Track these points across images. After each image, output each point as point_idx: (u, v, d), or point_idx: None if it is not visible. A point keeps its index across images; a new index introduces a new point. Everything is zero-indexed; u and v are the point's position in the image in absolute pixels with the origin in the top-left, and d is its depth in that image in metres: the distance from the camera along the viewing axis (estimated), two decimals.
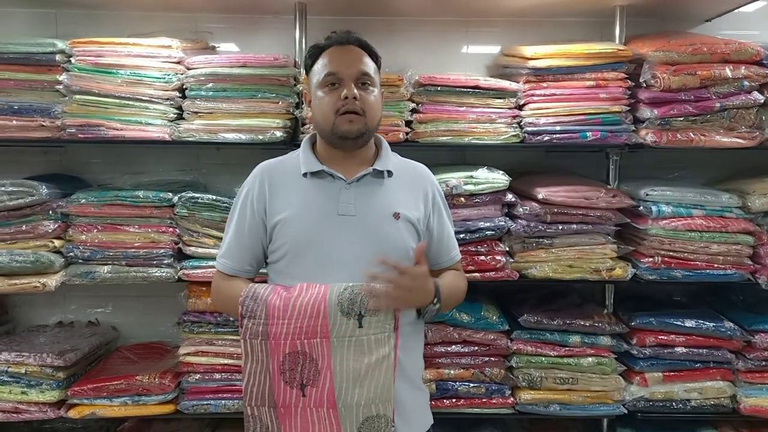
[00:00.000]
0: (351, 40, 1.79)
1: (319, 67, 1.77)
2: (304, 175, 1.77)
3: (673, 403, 2.55)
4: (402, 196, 1.79)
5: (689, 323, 2.53)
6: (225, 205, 2.48)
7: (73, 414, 2.47)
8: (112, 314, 3.02)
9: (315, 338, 1.60)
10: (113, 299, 3.00)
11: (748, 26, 2.92)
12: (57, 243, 2.49)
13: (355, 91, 1.71)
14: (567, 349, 2.53)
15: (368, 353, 1.59)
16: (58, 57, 2.45)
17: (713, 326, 2.52)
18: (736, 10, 2.78)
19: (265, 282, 1.80)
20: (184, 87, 2.51)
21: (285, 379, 1.60)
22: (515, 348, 2.53)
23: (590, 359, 2.52)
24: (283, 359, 1.60)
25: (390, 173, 1.80)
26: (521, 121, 2.54)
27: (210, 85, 2.47)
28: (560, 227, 2.49)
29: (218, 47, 2.87)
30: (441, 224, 1.86)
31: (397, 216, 1.74)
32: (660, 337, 2.53)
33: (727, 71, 2.39)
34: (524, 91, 2.53)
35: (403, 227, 1.75)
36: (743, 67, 2.42)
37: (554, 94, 2.50)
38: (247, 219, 1.79)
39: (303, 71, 2.58)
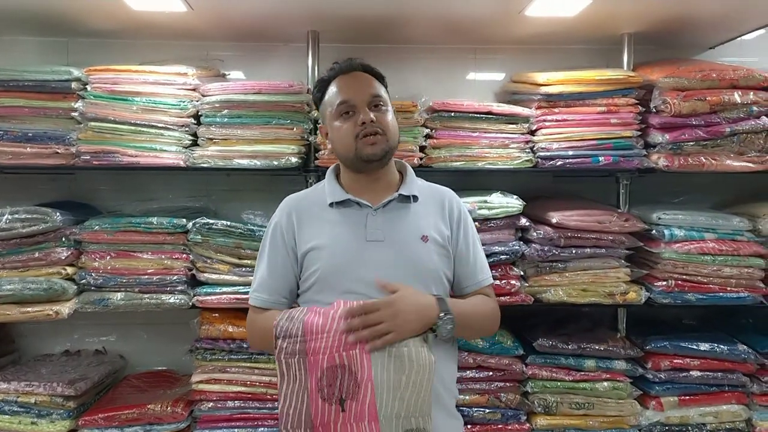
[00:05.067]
0: (355, 66, 1.81)
1: (330, 98, 1.79)
2: (331, 205, 1.78)
3: (689, 428, 2.54)
4: (429, 219, 1.79)
5: (704, 347, 2.53)
6: (239, 231, 2.48)
7: None
8: (118, 342, 2.99)
9: (354, 349, 1.58)
10: (119, 327, 2.97)
11: (749, 53, 2.99)
12: (70, 270, 2.47)
13: (371, 114, 1.72)
14: (582, 373, 2.52)
15: (408, 364, 1.57)
16: (73, 84, 2.46)
17: (727, 349, 2.52)
18: (739, 38, 2.85)
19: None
20: (199, 114, 2.52)
21: (323, 396, 1.58)
22: (530, 373, 2.52)
23: (606, 384, 2.52)
24: (321, 375, 1.58)
25: (416, 198, 1.80)
26: (534, 146, 2.57)
27: (225, 111, 2.49)
28: (574, 251, 2.50)
29: (229, 75, 2.89)
30: (466, 246, 1.84)
31: (425, 239, 1.74)
32: (675, 360, 2.53)
33: (736, 97, 2.44)
34: (536, 117, 2.56)
35: (433, 249, 1.75)
36: (752, 93, 2.46)
37: (566, 120, 2.54)
38: (279, 250, 1.79)
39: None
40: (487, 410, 2.50)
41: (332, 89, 1.79)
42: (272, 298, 1.79)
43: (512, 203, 2.50)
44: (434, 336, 1.67)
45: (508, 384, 2.53)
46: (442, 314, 1.65)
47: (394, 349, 1.58)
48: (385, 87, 1.85)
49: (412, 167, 2.42)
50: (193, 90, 2.52)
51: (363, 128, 1.71)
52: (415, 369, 1.57)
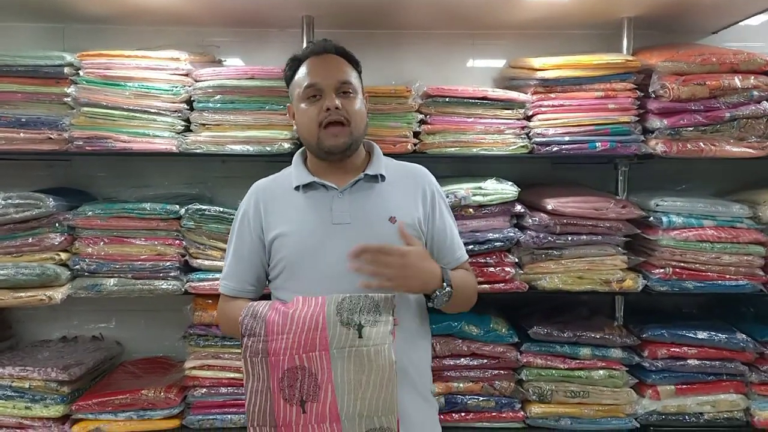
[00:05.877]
0: (328, 48, 1.77)
1: (299, 79, 1.76)
2: (296, 188, 1.76)
3: (686, 417, 2.51)
4: (398, 199, 1.76)
5: (701, 335, 2.50)
6: (232, 217, 2.42)
7: (77, 429, 2.43)
8: (116, 329, 2.99)
9: (314, 351, 1.56)
10: (117, 314, 2.98)
11: (753, 38, 2.93)
12: (63, 256, 2.48)
13: (337, 101, 1.69)
14: (578, 361, 2.50)
15: (368, 364, 1.55)
16: (66, 70, 2.45)
17: (726, 338, 2.49)
18: (742, 23, 2.79)
19: (267, 298, 1.78)
20: (191, 99, 2.51)
21: (284, 397, 1.57)
22: (525, 361, 2.50)
23: (601, 372, 2.49)
24: (282, 376, 1.57)
25: (383, 177, 1.77)
26: (530, 132, 2.53)
27: (218, 97, 2.47)
28: (570, 238, 2.47)
29: (224, 61, 2.88)
30: (442, 224, 1.81)
31: (393, 220, 1.71)
32: (672, 349, 2.50)
33: (737, 81, 2.39)
34: (533, 102, 2.52)
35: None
36: (752, 77, 2.41)
37: (563, 105, 2.50)
38: (246, 238, 1.78)
39: None
40: (481, 398, 2.49)
41: (302, 70, 1.76)
42: (239, 286, 1.79)
43: (507, 189, 2.48)
44: (428, 302, 1.68)
45: (502, 372, 2.51)
46: (444, 284, 1.65)
47: (353, 350, 1.56)
48: (359, 73, 1.81)
49: (406, 153, 2.46)
50: (186, 75, 2.51)
51: (327, 115, 1.68)
52: (375, 369, 1.56)
